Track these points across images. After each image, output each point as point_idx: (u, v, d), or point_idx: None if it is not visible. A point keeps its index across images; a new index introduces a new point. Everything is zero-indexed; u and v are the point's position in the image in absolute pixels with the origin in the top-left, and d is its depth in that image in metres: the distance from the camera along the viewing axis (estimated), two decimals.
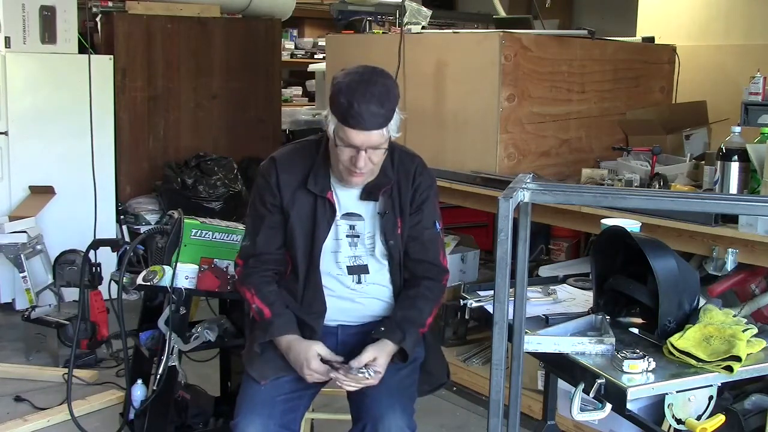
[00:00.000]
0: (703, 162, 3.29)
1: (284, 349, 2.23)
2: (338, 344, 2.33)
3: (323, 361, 2.20)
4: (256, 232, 2.32)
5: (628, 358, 1.82)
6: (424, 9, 4.15)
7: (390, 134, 2.19)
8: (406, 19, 4.01)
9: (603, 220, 2.43)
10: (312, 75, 7.59)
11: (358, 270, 2.30)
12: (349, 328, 2.35)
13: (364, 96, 2.10)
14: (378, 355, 2.18)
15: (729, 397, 2.85)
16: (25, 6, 4.65)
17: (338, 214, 2.29)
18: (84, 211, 4.70)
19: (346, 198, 2.30)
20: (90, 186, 4.69)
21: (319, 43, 8.12)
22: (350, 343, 2.33)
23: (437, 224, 2.36)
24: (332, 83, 2.18)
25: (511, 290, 1.75)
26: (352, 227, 2.30)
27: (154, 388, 2.82)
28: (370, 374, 2.15)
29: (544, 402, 2.56)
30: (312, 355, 2.19)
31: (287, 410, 2.22)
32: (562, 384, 2.51)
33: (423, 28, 4.11)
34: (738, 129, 2.89)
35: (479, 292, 2.42)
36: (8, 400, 3.57)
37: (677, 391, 1.81)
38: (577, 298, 2.40)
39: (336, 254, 2.28)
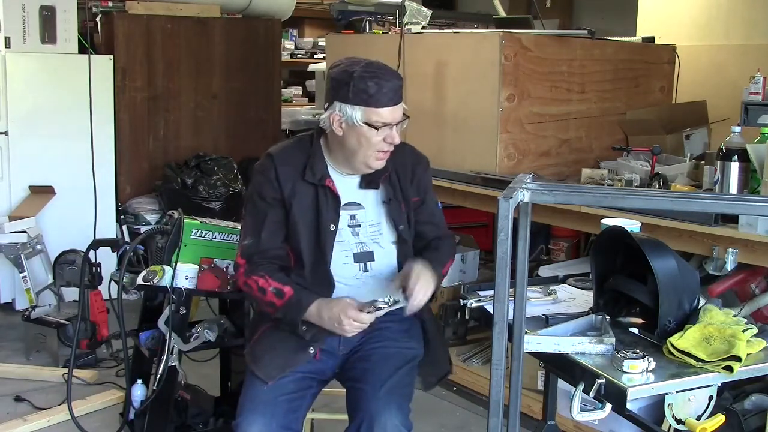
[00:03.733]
0: (703, 162, 3.29)
1: (315, 315, 2.20)
2: (341, 342, 2.34)
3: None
4: (259, 229, 2.29)
5: (628, 358, 1.82)
6: (424, 9, 4.15)
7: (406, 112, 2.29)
8: (406, 19, 4.01)
9: (603, 220, 2.42)
10: (312, 75, 7.58)
11: (364, 257, 2.31)
12: None
13: (384, 75, 2.20)
14: (413, 269, 2.21)
15: (729, 397, 2.85)
16: (25, 6, 4.65)
17: (344, 201, 2.30)
18: (84, 211, 4.70)
19: (345, 187, 2.32)
20: (90, 186, 4.69)
21: (319, 43, 8.11)
22: (352, 341, 2.34)
23: (438, 202, 2.51)
24: (337, 77, 2.22)
25: (511, 290, 1.75)
26: (352, 217, 2.32)
27: (154, 388, 2.82)
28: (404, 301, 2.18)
29: (544, 402, 2.56)
30: (347, 304, 2.18)
31: (289, 410, 2.22)
32: (562, 384, 2.51)
33: (423, 28, 4.11)
34: (738, 129, 2.89)
35: (479, 292, 2.42)
36: (8, 400, 3.57)
37: (677, 391, 1.81)
38: (577, 298, 2.40)
39: (341, 243, 2.29)
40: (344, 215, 2.31)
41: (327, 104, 2.25)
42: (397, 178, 2.36)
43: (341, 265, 2.30)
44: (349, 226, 2.31)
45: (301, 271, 2.31)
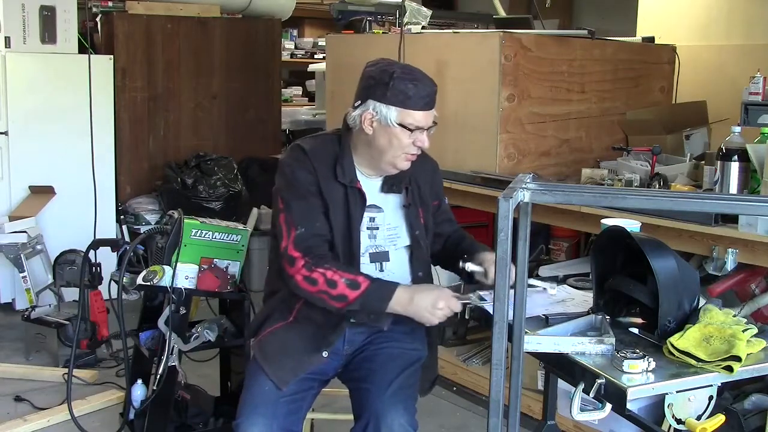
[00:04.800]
0: (703, 162, 3.29)
1: (404, 300, 2.15)
2: (346, 343, 2.35)
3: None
4: (310, 217, 2.21)
5: (628, 358, 1.82)
6: (424, 9, 4.15)
7: None
8: (406, 19, 4.01)
9: (603, 220, 2.42)
10: (312, 75, 7.58)
11: (380, 257, 2.31)
12: (356, 326, 2.34)
13: (423, 79, 2.23)
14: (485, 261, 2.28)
15: (729, 397, 2.85)
16: (25, 6, 4.65)
17: (367, 203, 2.30)
18: (84, 211, 4.70)
19: (368, 190, 2.31)
20: (90, 186, 4.69)
21: (319, 43, 8.12)
22: (357, 341, 2.36)
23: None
24: (375, 76, 2.21)
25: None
26: (371, 219, 2.31)
27: (154, 388, 2.82)
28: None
29: (544, 402, 2.56)
30: (444, 289, 2.22)
31: (290, 411, 2.22)
32: (562, 384, 2.51)
33: (423, 28, 4.11)
34: (738, 129, 2.89)
35: (479, 292, 2.41)
36: (8, 400, 3.57)
37: (677, 391, 1.81)
38: (577, 298, 2.40)
39: (359, 244, 2.29)
40: (364, 217, 2.30)
41: (359, 102, 2.23)
42: (417, 184, 2.38)
43: (359, 265, 2.30)
44: (367, 228, 2.31)
45: None
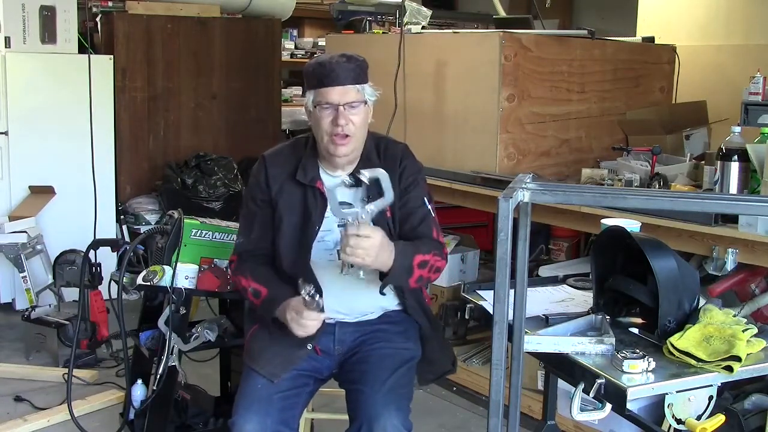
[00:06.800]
0: (703, 162, 3.29)
1: (282, 319, 2.25)
2: (336, 342, 2.36)
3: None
4: (250, 229, 2.40)
5: (628, 358, 1.82)
6: (424, 9, 4.15)
7: (366, 98, 2.29)
8: (406, 19, 4.01)
9: (603, 220, 2.42)
10: None
11: None
12: (346, 326, 2.36)
13: (334, 58, 2.27)
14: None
15: (729, 397, 2.85)
16: (25, 6, 4.65)
17: (329, 203, 2.31)
18: (84, 211, 4.70)
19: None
20: (90, 186, 4.69)
21: (319, 43, 8.11)
22: (347, 341, 2.36)
23: (426, 202, 2.38)
24: (305, 70, 2.33)
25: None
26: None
27: (154, 388, 2.82)
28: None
29: (544, 402, 2.56)
30: (287, 309, 2.20)
31: (285, 408, 2.23)
32: (562, 384, 2.51)
33: (423, 28, 4.11)
34: (738, 129, 2.89)
35: (479, 292, 2.42)
36: (8, 400, 3.57)
37: (677, 391, 1.81)
38: (577, 298, 2.40)
39: (325, 242, 2.32)
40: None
41: None
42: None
43: (326, 261, 2.32)
44: (339, 226, 2.32)
45: (280, 267, 2.34)
